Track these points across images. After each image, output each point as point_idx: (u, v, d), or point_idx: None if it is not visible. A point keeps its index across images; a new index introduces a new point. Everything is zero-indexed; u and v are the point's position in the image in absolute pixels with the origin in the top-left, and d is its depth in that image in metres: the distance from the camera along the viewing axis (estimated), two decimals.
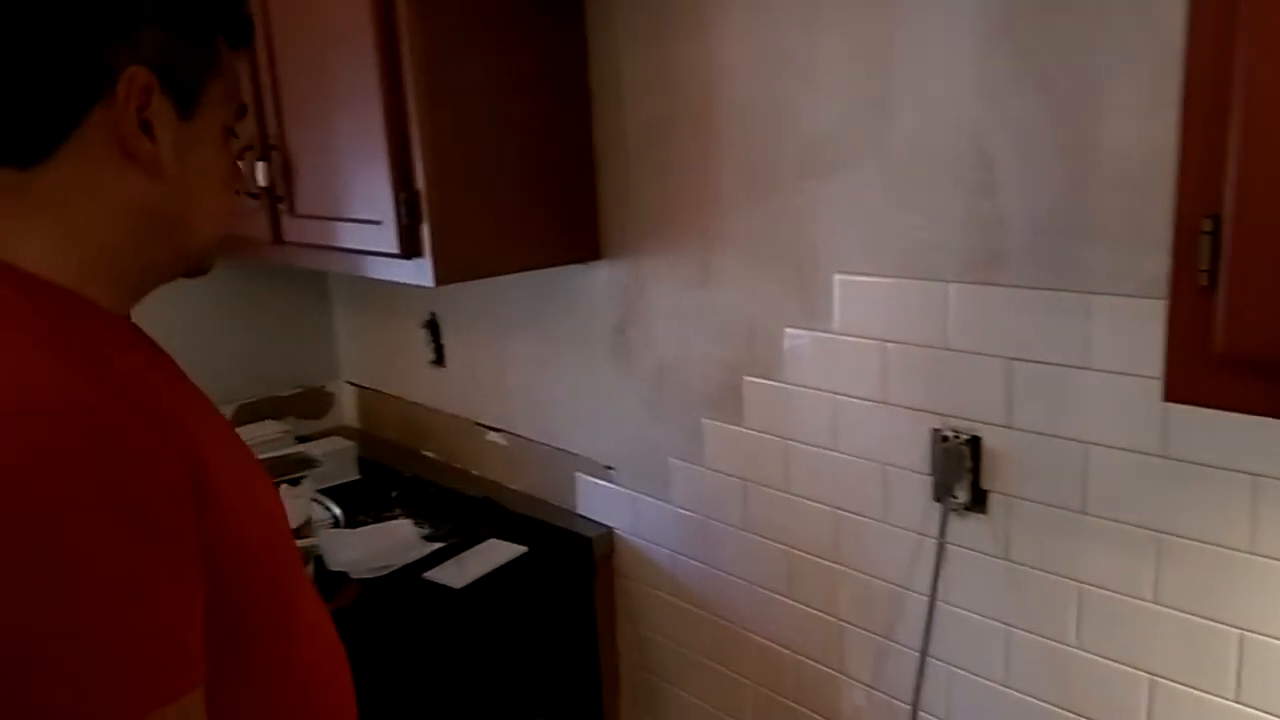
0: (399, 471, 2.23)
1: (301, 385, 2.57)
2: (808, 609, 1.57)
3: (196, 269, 0.82)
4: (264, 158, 1.81)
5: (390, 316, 2.38)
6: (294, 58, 1.71)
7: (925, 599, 1.38)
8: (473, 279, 1.64)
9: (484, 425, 2.15)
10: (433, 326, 2.23)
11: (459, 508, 1.99)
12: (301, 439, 2.35)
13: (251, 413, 2.44)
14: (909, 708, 1.44)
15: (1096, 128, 1.13)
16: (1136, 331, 1.13)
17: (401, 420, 2.42)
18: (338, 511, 1.79)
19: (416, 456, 2.35)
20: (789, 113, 1.43)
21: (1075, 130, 1.15)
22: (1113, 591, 1.20)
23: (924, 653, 1.38)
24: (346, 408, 2.63)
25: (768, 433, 1.56)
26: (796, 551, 1.57)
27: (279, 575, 0.77)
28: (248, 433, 2.23)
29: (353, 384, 2.59)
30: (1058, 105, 1.16)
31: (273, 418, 2.43)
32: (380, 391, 2.48)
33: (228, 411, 2.40)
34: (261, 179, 1.82)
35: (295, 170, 1.78)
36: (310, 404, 2.60)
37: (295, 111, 1.74)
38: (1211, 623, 1.13)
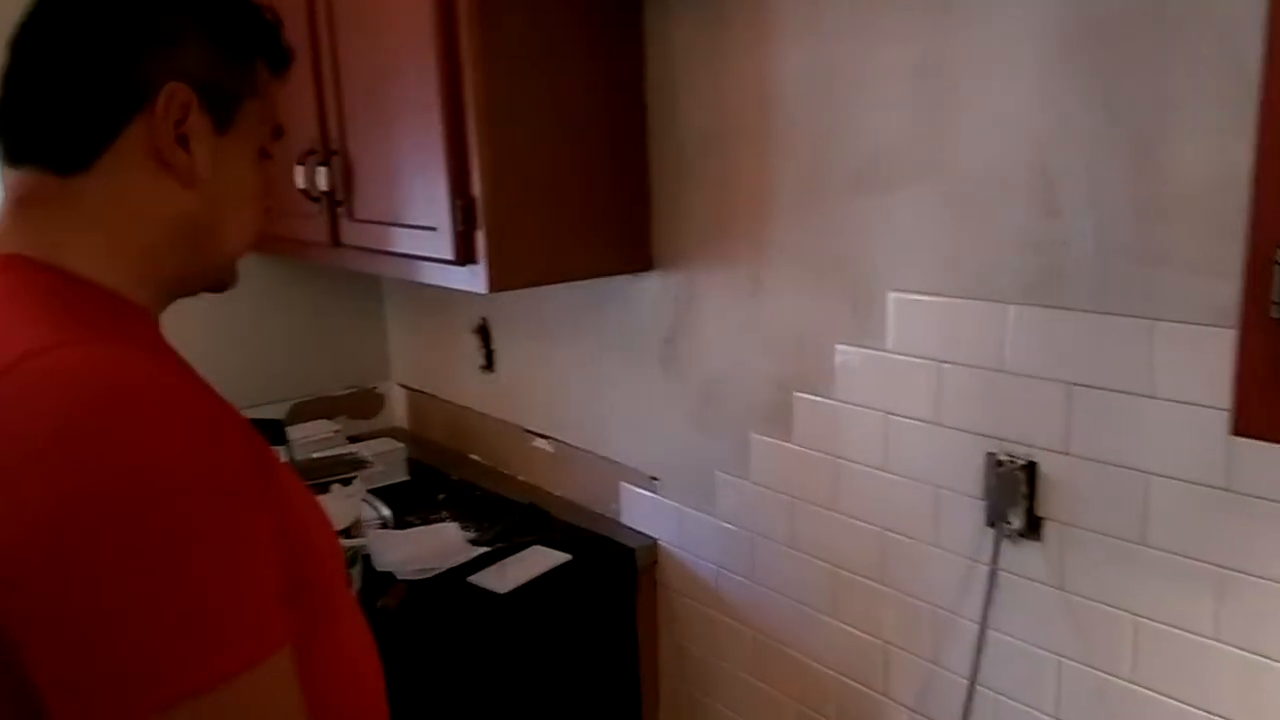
0: (446, 474, 2.25)
1: (354, 386, 2.61)
2: (852, 630, 1.55)
3: (220, 283, 0.85)
4: (325, 163, 1.85)
5: (442, 321, 2.40)
6: (358, 66, 1.74)
7: (975, 625, 1.35)
8: (526, 287, 1.65)
9: (531, 431, 2.16)
10: (483, 332, 2.25)
11: (505, 513, 2.00)
12: (352, 439, 2.38)
13: (304, 412, 2.48)
14: None
15: (1165, 148, 1.10)
16: (1202, 360, 1.10)
17: (450, 423, 2.44)
18: (386, 512, 1.81)
19: (464, 460, 2.37)
20: (845, 126, 1.42)
21: (1143, 150, 1.12)
22: (1171, 626, 1.17)
23: (973, 680, 1.35)
24: (397, 409, 2.66)
25: (816, 450, 1.55)
26: (842, 571, 1.55)
27: (324, 566, 0.80)
28: (300, 431, 2.26)
29: (404, 386, 2.62)
30: (1125, 124, 1.13)
31: (325, 417, 2.47)
32: (430, 394, 2.51)
33: (281, 409, 2.45)
34: (322, 183, 1.85)
35: (355, 175, 1.80)
36: (361, 404, 2.63)
37: (357, 118, 1.77)
38: (1273, 662, 1.09)
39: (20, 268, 0.71)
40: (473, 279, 1.58)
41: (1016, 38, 1.21)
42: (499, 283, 1.57)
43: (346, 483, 1.56)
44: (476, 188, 1.54)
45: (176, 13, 0.74)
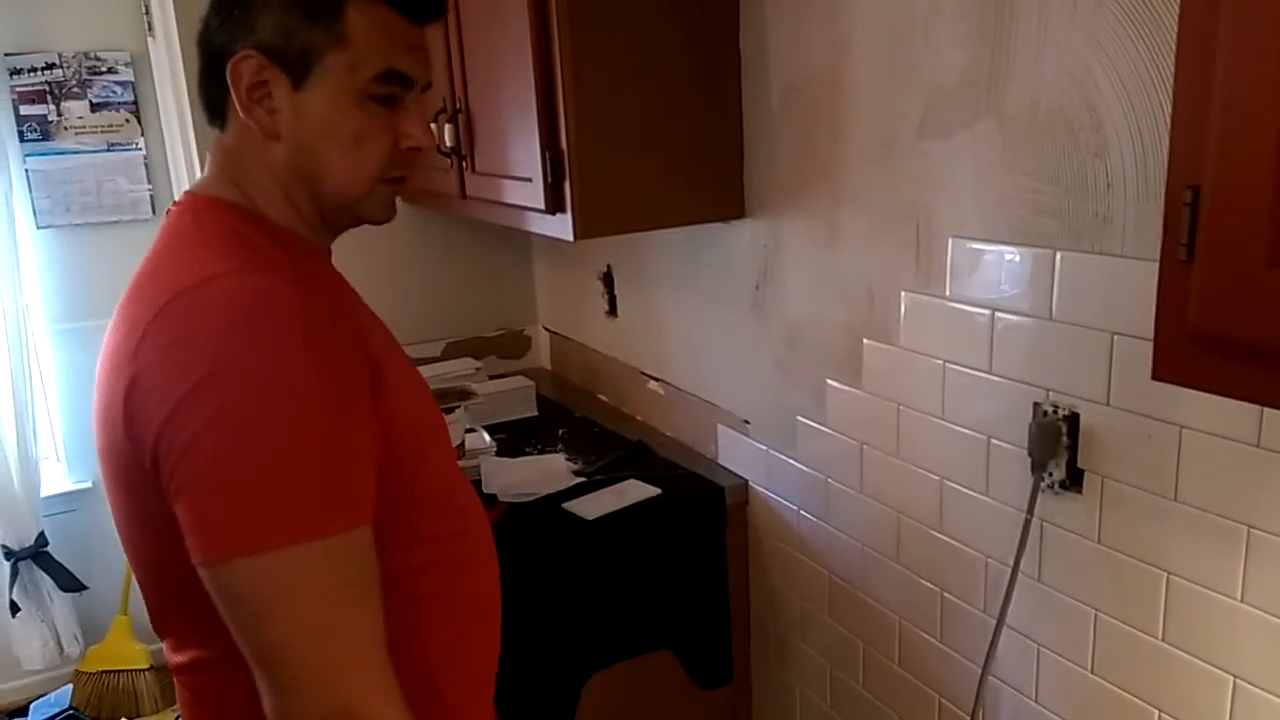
0: (572, 411, 2.41)
1: (503, 328, 2.82)
2: (913, 575, 1.56)
3: (361, 217, 0.96)
4: (452, 120, 2.01)
5: (575, 268, 2.55)
6: (474, 28, 1.88)
7: (1025, 576, 1.34)
8: (611, 234, 1.75)
9: (646, 374, 2.27)
10: (608, 279, 2.37)
11: (614, 449, 2.13)
12: (495, 377, 2.59)
13: (457, 350, 2.72)
14: (1000, 682, 1.41)
15: None
16: None
17: (583, 365, 2.60)
18: (488, 440, 1.98)
19: (592, 399, 2.52)
20: (911, 71, 1.40)
21: None
22: (1201, 586, 1.12)
23: (999, 624, 1.35)
24: (542, 350, 2.85)
25: (883, 397, 1.56)
26: (905, 518, 1.56)
27: (439, 455, 0.96)
28: (447, 367, 2.49)
29: (548, 329, 2.81)
30: (1167, 61, 1.07)
31: (474, 356, 2.69)
32: (567, 337, 2.67)
33: (438, 348, 2.70)
34: (449, 139, 2.02)
35: (476, 132, 1.96)
36: (510, 345, 2.84)
37: (476, 78, 1.92)
38: None
39: (218, 208, 0.90)
40: (562, 227, 1.70)
41: None
42: (583, 231, 1.67)
43: (449, 411, 1.73)
44: (564, 141, 1.65)
45: None
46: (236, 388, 0.74)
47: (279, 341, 0.77)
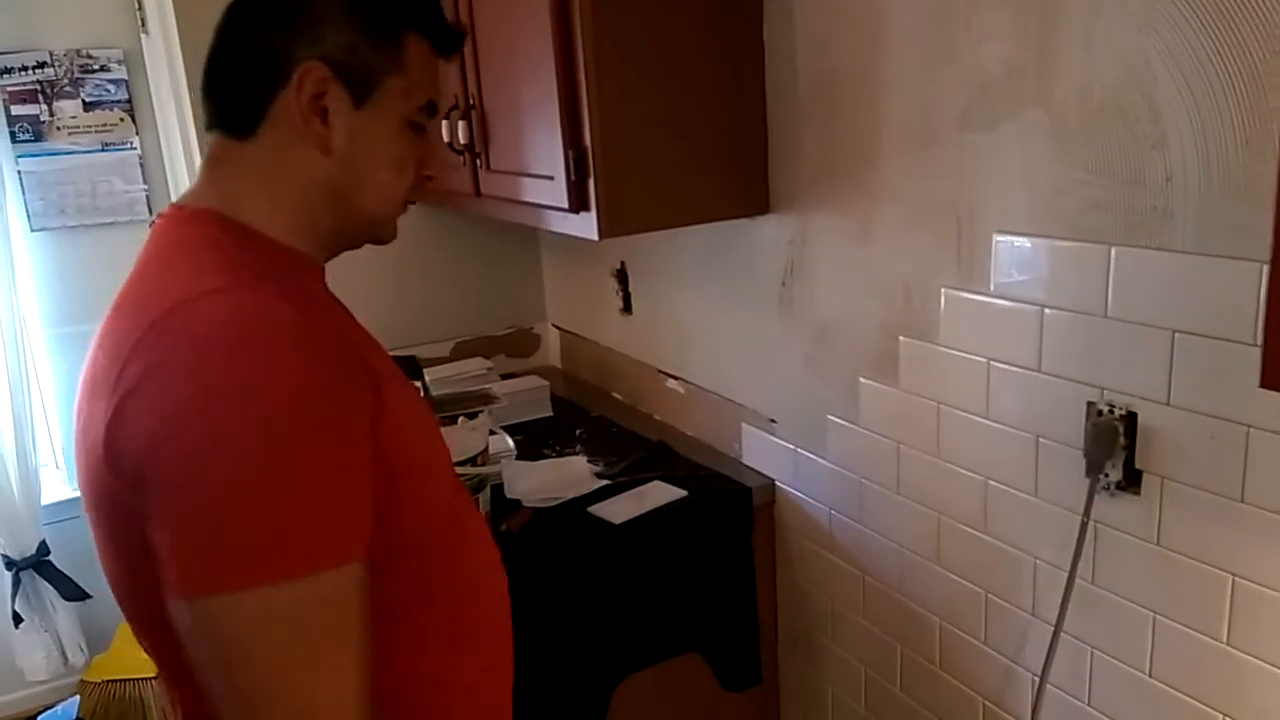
0: (588, 411, 2.37)
1: (513, 326, 2.77)
2: (955, 577, 1.53)
3: (376, 238, 0.96)
4: (465, 117, 1.96)
5: (587, 265, 2.50)
6: (490, 24, 1.83)
7: (1077, 579, 1.31)
8: (637, 232, 1.71)
9: (664, 372, 2.23)
10: (622, 276, 2.33)
11: (634, 449, 2.09)
12: (506, 376, 2.55)
13: (466, 350, 2.67)
14: (1050, 685, 1.39)
15: (1272, 72, 1.00)
16: None
17: (596, 363, 2.56)
18: (510, 443, 1.94)
19: (607, 398, 2.48)
20: (951, 62, 1.37)
21: (1251, 79, 1.03)
22: (1269, 588, 1.09)
23: (1058, 629, 1.32)
24: (551, 348, 2.81)
25: (921, 395, 1.53)
26: (946, 518, 1.53)
27: (441, 486, 0.91)
28: (457, 368, 2.45)
29: (557, 327, 2.76)
30: (1233, 50, 1.04)
31: (484, 355, 2.65)
32: (579, 335, 2.63)
33: (445, 348, 2.65)
34: (462, 137, 1.97)
35: (491, 129, 1.91)
36: (519, 344, 2.80)
37: (491, 74, 1.87)
38: None
39: (203, 220, 0.85)
40: (586, 225, 1.65)
41: None
42: (609, 230, 1.63)
43: (472, 416, 1.69)
44: (588, 138, 1.60)
45: None
46: (224, 412, 0.70)
47: (269, 363, 0.72)
